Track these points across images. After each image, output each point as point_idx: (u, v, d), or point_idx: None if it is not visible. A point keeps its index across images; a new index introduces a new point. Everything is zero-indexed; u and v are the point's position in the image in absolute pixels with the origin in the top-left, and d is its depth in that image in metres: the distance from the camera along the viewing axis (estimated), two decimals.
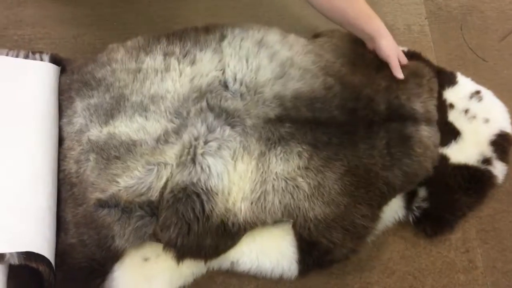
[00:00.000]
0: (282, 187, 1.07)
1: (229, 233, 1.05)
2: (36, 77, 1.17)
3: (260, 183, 1.07)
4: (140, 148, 1.08)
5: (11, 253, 0.95)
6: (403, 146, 1.13)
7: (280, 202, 1.07)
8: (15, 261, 0.95)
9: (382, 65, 1.24)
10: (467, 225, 1.20)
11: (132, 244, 1.04)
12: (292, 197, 1.07)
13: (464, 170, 1.20)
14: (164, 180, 1.05)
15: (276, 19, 1.46)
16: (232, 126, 1.11)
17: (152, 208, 1.04)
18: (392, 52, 1.22)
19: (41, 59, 1.21)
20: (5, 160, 1.05)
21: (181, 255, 1.04)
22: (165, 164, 1.06)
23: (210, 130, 1.10)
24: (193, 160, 1.06)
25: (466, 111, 1.27)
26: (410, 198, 1.17)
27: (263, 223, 1.08)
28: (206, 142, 1.08)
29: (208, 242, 1.04)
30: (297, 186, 1.07)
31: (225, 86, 1.17)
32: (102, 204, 1.04)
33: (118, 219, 1.03)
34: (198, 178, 1.04)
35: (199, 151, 1.07)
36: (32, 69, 1.19)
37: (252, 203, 1.06)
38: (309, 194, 1.07)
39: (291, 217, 1.07)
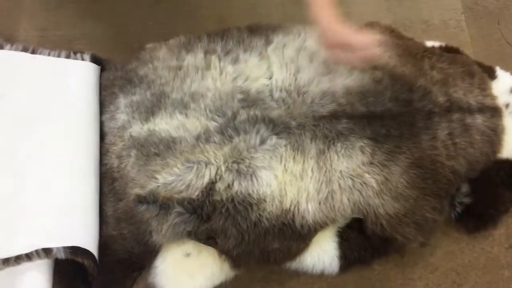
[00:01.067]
0: (349, 185, 1.06)
1: (299, 235, 1.05)
2: (77, 76, 1.20)
3: (325, 183, 1.06)
4: (180, 146, 1.08)
5: (58, 248, 0.97)
6: (466, 136, 1.13)
7: (349, 200, 1.06)
8: (61, 255, 0.97)
9: (427, 55, 1.23)
10: (511, 220, 1.19)
11: (169, 240, 1.05)
12: (361, 194, 1.06)
13: (507, 165, 1.18)
14: (206, 179, 1.04)
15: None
16: (277, 134, 1.09)
17: (194, 207, 1.03)
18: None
19: (82, 59, 1.23)
20: (51, 157, 1.07)
21: (237, 264, 1.05)
22: (207, 163, 1.05)
23: (261, 141, 1.08)
24: (248, 171, 1.05)
25: (507, 106, 1.24)
26: (452, 194, 1.15)
27: (333, 222, 1.07)
28: (260, 153, 1.07)
29: (276, 246, 1.04)
30: (365, 183, 1.06)
31: (271, 95, 1.15)
32: (141, 200, 1.05)
33: (156, 215, 1.04)
34: (252, 189, 1.04)
35: (255, 162, 1.06)
36: (73, 68, 1.21)
37: (320, 203, 1.05)
38: (377, 190, 1.06)
39: (361, 214, 1.07)
